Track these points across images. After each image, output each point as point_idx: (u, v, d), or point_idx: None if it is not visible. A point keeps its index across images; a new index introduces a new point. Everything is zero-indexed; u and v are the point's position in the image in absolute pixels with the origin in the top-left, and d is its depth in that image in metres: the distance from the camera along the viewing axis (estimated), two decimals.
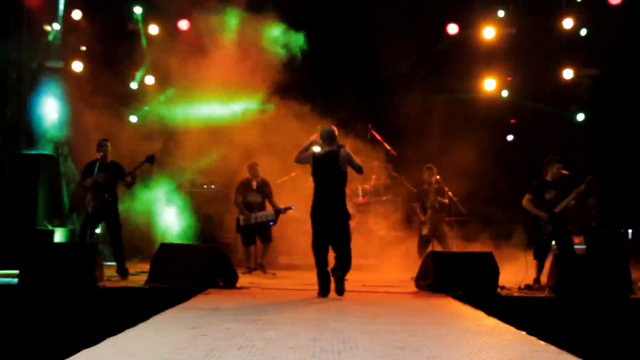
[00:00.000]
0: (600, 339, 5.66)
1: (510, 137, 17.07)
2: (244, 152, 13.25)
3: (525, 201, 10.05)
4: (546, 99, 16.36)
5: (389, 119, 15.31)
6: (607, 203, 14.48)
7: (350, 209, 8.88)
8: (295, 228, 14.03)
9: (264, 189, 12.03)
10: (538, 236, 9.93)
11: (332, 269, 8.30)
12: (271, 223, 11.85)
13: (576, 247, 11.86)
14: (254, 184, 11.90)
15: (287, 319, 5.92)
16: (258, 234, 11.89)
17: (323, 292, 8.17)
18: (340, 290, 8.14)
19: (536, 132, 16.09)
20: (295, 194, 14.28)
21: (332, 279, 8.25)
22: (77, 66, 14.79)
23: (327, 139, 8.58)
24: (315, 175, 8.56)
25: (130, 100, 15.12)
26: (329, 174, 8.45)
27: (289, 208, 12.15)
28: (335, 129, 8.67)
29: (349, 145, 8.91)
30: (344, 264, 8.32)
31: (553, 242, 10.09)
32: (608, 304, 7.99)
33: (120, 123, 13.96)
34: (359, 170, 8.51)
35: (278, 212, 11.92)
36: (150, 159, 10.16)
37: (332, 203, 8.43)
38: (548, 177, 10.06)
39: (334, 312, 6.56)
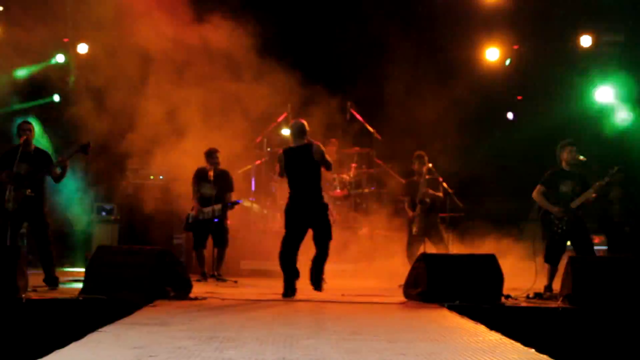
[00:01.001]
0: (622, 357, 5.72)
1: (510, 115, 17.13)
2: (201, 136, 13.21)
3: (536, 193, 10.08)
4: (560, 72, 16.43)
5: (372, 95, 15.30)
6: (633, 196, 14.60)
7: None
8: (260, 227, 14.07)
9: (222, 181, 11.98)
10: (550, 236, 9.98)
11: (313, 260, 9.54)
12: (215, 220, 11.79)
13: (596, 248, 11.93)
14: (211, 174, 11.84)
15: (251, 335, 5.92)
16: (213, 236, 11.85)
17: (290, 291, 9.32)
18: (319, 283, 9.40)
19: (548, 111, 16.17)
20: (259, 185, 14.33)
21: (296, 281, 9.42)
22: None
23: (298, 133, 9.70)
24: (289, 170, 9.66)
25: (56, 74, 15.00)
26: (304, 168, 9.57)
27: (237, 202, 12.12)
28: (305, 123, 9.78)
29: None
30: (324, 254, 9.55)
31: (568, 243, 10.15)
32: (632, 316, 8.05)
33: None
34: (328, 167, 9.72)
35: (225, 207, 11.89)
36: (84, 148, 10.05)
37: (309, 196, 9.57)
38: (563, 165, 10.10)
39: (306, 327, 6.56)
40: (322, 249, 9.53)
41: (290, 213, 9.57)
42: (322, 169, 9.70)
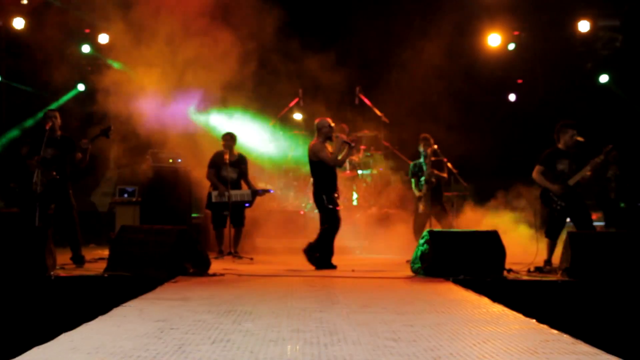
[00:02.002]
0: (619, 327, 5.73)
1: (512, 97, 17.10)
2: (217, 121, 13.24)
3: (536, 173, 10.08)
4: (558, 56, 16.38)
5: (380, 81, 15.28)
6: (629, 174, 14.57)
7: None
8: (275, 207, 14.11)
9: (240, 165, 12.01)
10: (550, 212, 10.00)
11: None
12: (247, 205, 11.83)
13: (594, 223, 11.91)
14: (226, 157, 11.83)
15: (266, 308, 5.95)
16: (230, 216, 11.86)
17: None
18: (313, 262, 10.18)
19: (547, 94, 16.14)
20: (273, 166, 14.36)
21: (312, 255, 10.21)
22: (18, 23, 14.65)
23: (316, 130, 10.53)
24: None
25: (82, 64, 15.01)
26: (309, 161, 10.49)
27: (268, 191, 12.18)
28: (319, 121, 10.48)
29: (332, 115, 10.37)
30: (319, 237, 10.34)
31: (568, 219, 10.16)
32: (628, 288, 8.05)
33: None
34: (327, 162, 10.27)
35: (255, 193, 11.91)
36: (105, 132, 10.09)
37: (313, 187, 10.49)
38: (560, 145, 10.10)
39: (319, 301, 6.59)
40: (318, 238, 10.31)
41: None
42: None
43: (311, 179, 13.44)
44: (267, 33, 13.83)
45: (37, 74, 14.56)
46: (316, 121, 10.59)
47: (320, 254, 10.21)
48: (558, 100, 15.71)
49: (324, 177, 10.34)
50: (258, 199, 12.17)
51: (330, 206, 10.26)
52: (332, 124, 10.53)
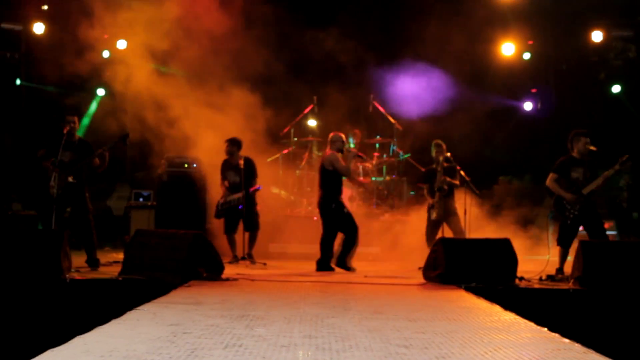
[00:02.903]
0: (631, 337, 5.70)
1: (529, 106, 17.06)
2: (230, 126, 13.25)
3: (549, 181, 10.04)
4: (572, 65, 16.34)
5: (393, 89, 15.27)
6: None
7: (349, 190, 9.94)
8: (287, 213, 14.12)
9: (246, 169, 11.97)
10: (563, 220, 9.95)
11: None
12: (239, 207, 11.77)
13: (607, 233, 11.84)
14: (233, 162, 11.86)
15: (279, 314, 5.95)
16: (243, 220, 11.84)
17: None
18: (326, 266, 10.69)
19: (561, 103, 16.09)
20: (286, 173, 14.37)
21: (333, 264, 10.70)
22: (39, 28, 14.71)
23: (329, 142, 11.10)
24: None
25: (101, 69, 15.04)
26: (320, 171, 11.01)
27: (257, 189, 12.12)
28: (334, 135, 11.10)
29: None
30: (327, 248, 10.84)
31: (581, 228, 10.11)
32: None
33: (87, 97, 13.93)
34: (342, 173, 10.92)
35: (247, 194, 11.87)
36: (123, 139, 10.16)
37: (320, 195, 10.93)
38: (574, 154, 10.05)
39: (331, 307, 6.57)
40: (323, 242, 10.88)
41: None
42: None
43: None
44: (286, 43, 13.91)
45: (57, 78, 14.63)
46: (331, 135, 11.14)
47: (322, 256, 10.79)
48: (572, 109, 15.64)
49: (335, 186, 10.88)
50: (271, 204, 12.16)
51: (345, 210, 10.83)
52: (344, 139, 11.13)
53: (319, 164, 11.23)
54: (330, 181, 10.85)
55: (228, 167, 11.96)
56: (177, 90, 13.88)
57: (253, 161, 12.12)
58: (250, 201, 11.84)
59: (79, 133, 10.66)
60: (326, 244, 10.82)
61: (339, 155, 10.91)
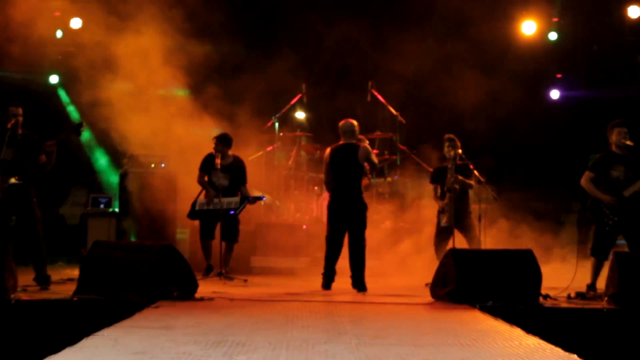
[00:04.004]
0: None
1: (555, 95, 17.08)
2: (203, 118, 13.25)
3: (585, 180, 9.98)
4: (604, 46, 16.36)
5: (395, 74, 15.27)
6: None
7: None
8: (272, 221, 14.11)
9: (234, 170, 11.95)
10: (599, 227, 9.91)
11: (351, 264, 10.63)
12: (231, 212, 11.74)
13: None
14: (218, 161, 11.77)
15: (263, 339, 5.94)
16: (221, 227, 11.80)
17: (326, 284, 10.62)
18: (362, 286, 10.44)
19: (590, 90, 16.10)
20: (271, 174, 14.35)
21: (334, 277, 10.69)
22: None
23: (348, 132, 10.90)
24: (333, 168, 10.87)
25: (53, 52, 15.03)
26: (347, 167, 10.78)
27: (260, 198, 12.17)
28: (355, 123, 10.95)
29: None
30: (359, 261, 10.58)
31: (619, 237, 10.10)
32: None
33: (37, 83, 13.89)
34: (374, 167, 11.24)
35: (244, 200, 11.85)
36: (76, 129, 10.07)
37: (349, 194, 10.75)
38: (614, 149, 10.01)
39: (323, 330, 6.57)
40: (357, 252, 10.63)
41: (331, 211, 10.85)
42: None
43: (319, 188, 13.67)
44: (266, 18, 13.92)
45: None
46: (351, 122, 10.98)
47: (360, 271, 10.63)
48: (604, 97, 15.67)
49: (361, 185, 10.94)
50: (252, 210, 12.14)
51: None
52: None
53: (343, 155, 10.81)
54: (359, 178, 10.89)
55: (213, 166, 11.88)
56: (141, 75, 13.86)
57: (244, 162, 12.13)
58: (242, 208, 11.83)
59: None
60: (362, 255, 10.70)
61: None
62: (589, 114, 15.10)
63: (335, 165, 10.86)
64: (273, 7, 15.59)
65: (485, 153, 13.57)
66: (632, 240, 9.89)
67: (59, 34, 15.23)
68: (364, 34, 15.59)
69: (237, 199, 11.83)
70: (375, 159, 11.05)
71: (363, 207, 10.77)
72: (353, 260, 10.64)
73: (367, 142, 11.65)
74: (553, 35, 16.45)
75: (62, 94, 16.30)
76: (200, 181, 12.05)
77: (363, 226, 10.73)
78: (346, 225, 10.73)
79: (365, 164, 10.80)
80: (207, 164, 12.00)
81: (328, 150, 11.06)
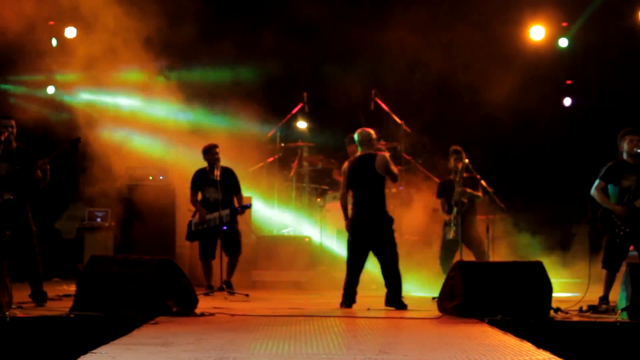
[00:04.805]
0: None
1: (567, 102, 17.08)
2: (203, 130, 13.28)
3: (595, 189, 9.97)
4: (615, 52, 16.35)
5: (399, 82, 15.29)
6: None
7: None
8: (274, 233, 14.10)
9: (228, 182, 11.96)
10: (611, 238, 9.91)
11: (386, 288, 10.26)
12: (224, 228, 11.74)
13: None
14: (217, 173, 11.78)
15: (265, 356, 5.94)
16: (222, 242, 11.80)
17: (347, 303, 10.22)
18: (400, 303, 10.10)
19: (602, 98, 16.09)
20: (272, 185, 14.36)
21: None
22: None
23: (364, 142, 10.55)
24: (351, 181, 10.50)
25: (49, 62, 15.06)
26: (366, 179, 10.35)
27: (247, 207, 12.15)
28: (371, 132, 10.58)
29: None
30: (395, 277, 10.23)
31: (631, 248, 10.09)
32: None
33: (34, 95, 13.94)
34: (394, 179, 10.62)
35: (234, 212, 11.87)
36: (74, 144, 10.10)
37: (371, 209, 10.32)
38: (625, 158, 10.01)
39: (328, 346, 6.57)
40: (391, 270, 10.23)
41: (353, 229, 10.39)
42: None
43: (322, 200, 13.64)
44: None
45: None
46: (367, 131, 10.64)
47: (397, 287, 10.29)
48: (616, 105, 15.66)
49: (384, 197, 10.48)
50: (254, 222, 12.15)
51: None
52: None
53: (361, 167, 10.42)
54: (382, 191, 10.40)
55: (205, 180, 11.91)
56: (139, 87, 13.92)
57: (234, 172, 12.13)
58: (233, 220, 11.85)
59: None
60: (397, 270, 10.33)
61: None
62: (601, 122, 15.09)
63: (354, 179, 10.46)
64: (272, 14, 15.58)
65: (494, 162, 13.56)
66: None
67: (54, 42, 15.25)
68: (367, 40, 15.61)
69: (226, 211, 11.85)
70: (394, 169, 10.51)
71: (388, 222, 10.33)
72: (387, 279, 10.26)
73: (387, 152, 11.43)
74: (563, 42, 16.43)
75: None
76: (193, 200, 12.13)
77: (391, 242, 10.32)
78: (371, 243, 10.33)
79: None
80: (199, 181, 12.05)
81: (346, 163, 10.70)
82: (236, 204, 12.05)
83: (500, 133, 15.53)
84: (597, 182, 9.99)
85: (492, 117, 15.21)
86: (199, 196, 12.11)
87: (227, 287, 11.64)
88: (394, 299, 10.14)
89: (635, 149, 9.85)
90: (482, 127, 15.07)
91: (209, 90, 14.44)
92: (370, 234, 10.30)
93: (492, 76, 15.28)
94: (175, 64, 14.56)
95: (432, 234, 13.10)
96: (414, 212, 14.47)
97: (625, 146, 9.94)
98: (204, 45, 14.28)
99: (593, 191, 9.99)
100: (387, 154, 10.60)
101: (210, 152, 11.94)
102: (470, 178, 11.68)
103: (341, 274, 11.14)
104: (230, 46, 14.42)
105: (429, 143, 15.02)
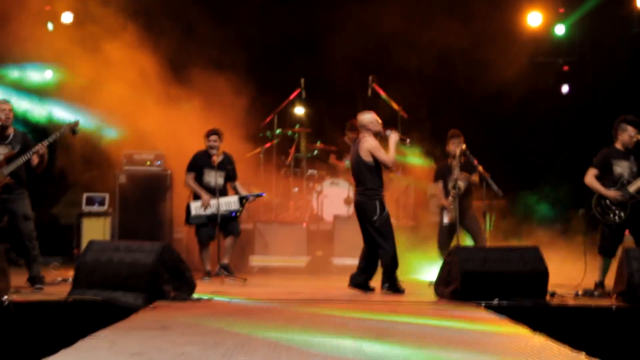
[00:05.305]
0: None
1: (565, 89, 17.06)
2: (202, 116, 13.26)
3: (588, 177, 10.03)
4: (612, 38, 16.31)
5: (396, 67, 15.27)
6: None
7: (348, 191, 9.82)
8: (271, 219, 14.11)
9: (227, 167, 11.93)
10: (605, 224, 9.94)
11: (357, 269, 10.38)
12: (233, 214, 11.73)
13: None
14: (215, 159, 11.74)
15: (262, 340, 5.95)
16: (221, 226, 11.77)
17: (350, 282, 10.28)
18: (392, 287, 10.07)
19: (599, 84, 16.07)
20: (269, 171, 14.36)
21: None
22: None
23: (356, 127, 10.86)
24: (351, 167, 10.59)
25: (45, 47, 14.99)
26: (353, 164, 10.40)
27: (259, 195, 12.13)
28: (365, 115, 10.43)
29: None
30: (370, 263, 10.32)
31: (626, 233, 10.12)
32: None
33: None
34: (384, 165, 10.24)
35: (243, 199, 11.85)
36: (72, 128, 10.08)
37: (357, 194, 10.34)
38: (618, 145, 10.05)
39: (325, 330, 6.58)
40: (369, 256, 10.30)
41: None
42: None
43: (317, 187, 13.68)
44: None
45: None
46: (359, 116, 10.49)
47: (387, 276, 10.19)
48: (613, 91, 15.64)
49: (377, 182, 10.26)
50: (250, 207, 12.12)
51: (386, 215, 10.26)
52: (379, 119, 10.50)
53: (353, 155, 10.45)
54: (371, 177, 10.20)
55: (207, 164, 11.87)
56: (135, 73, 13.88)
57: (233, 159, 12.12)
58: (241, 208, 11.81)
59: None
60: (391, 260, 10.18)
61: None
62: (597, 108, 15.08)
63: (351, 164, 10.59)
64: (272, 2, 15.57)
65: (491, 148, 13.55)
66: (638, 237, 9.93)
67: (49, 27, 15.21)
68: (364, 25, 15.57)
69: (235, 198, 11.82)
70: (381, 155, 10.12)
71: (369, 208, 10.11)
72: (363, 262, 10.36)
73: (395, 133, 11.11)
74: (560, 29, 16.38)
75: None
76: (190, 183, 11.99)
77: (373, 228, 10.11)
78: (362, 228, 10.35)
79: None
80: (198, 163, 11.95)
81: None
82: (231, 192, 12.01)
83: (498, 119, 15.50)
84: (590, 169, 10.04)
85: (489, 103, 15.19)
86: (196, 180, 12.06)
87: (226, 270, 11.59)
88: (360, 281, 10.25)
89: (635, 139, 9.88)
90: (478, 113, 15.04)
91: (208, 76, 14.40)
92: (360, 221, 10.32)
93: (489, 63, 15.26)
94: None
95: (429, 218, 13.12)
96: (410, 196, 14.48)
97: (625, 137, 9.96)
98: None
99: (587, 178, 10.03)
100: (394, 136, 10.40)
101: (208, 139, 11.90)
102: (467, 162, 11.66)
103: (338, 259, 11.15)
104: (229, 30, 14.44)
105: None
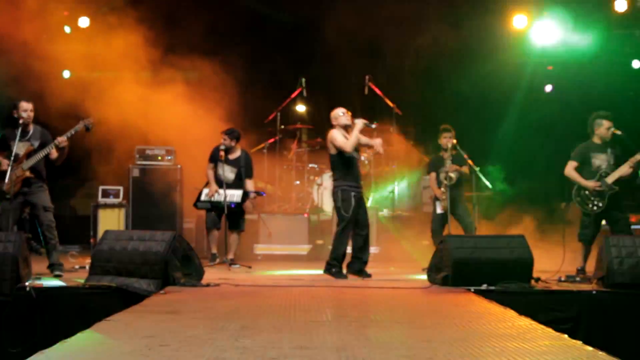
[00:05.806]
0: None
1: (548, 88, 17.04)
2: (208, 112, 13.27)
3: (568, 169, 10.09)
4: (594, 39, 16.26)
5: (391, 67, 15.27)
6: None
7: None
8: (274, 210, 14.12)
9: (240, 165, 11.95)
10: (585, 213, 9.99)
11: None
12: (232, 205, 11.73)
13: (634, 227, 11.89)
14: (222, 154, 11.76)
15: (266, 323, 5.96)
16: (227, 218, 11.81)
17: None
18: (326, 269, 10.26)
19: (580, 83, 16.05)
20: (273, 165, 14.36)
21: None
22: None
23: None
24: None
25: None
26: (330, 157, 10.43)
27: (260, 194, 12.17)
28: (338, 110, 10.44)
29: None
30: (366, 247, 10.46)
31: (604, 222, 10.15)
32: None
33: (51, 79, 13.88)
34: (343, 148, 10.13)
35: (245, 195, 11.85)
36: (86, 126, 10.10)
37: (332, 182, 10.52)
38: (596, 139, 10.10)
39: (325, 314, 6.60)
40: (363, 244, 10.41)
41: None
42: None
43: (317, 179, 13.72)
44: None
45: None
46: (331, 113, 10.53)
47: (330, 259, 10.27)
48: (593, 89, 15.61)
49: (341, 172, 10.30)
50: (255, 200, 12.16)
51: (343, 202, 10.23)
52: (346, 111, 10.46)
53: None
54: (336, 166, 10.33)
55: (216, 158, 11.91)
56: (146, 72, 13.89)
57: (251, 157, 12.15)
58: (242, 201, 11.82)
59: None
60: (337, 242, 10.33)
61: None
62: (578, 106, 15.06)
63: None
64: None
65: (478, 141, 13.54)
66: (616, 225, 9.98)
67: (67, 30, 15.21)
68: (360, 28, 15.56)
69: (239, 192, 11.83)
70: (338, 142, 10.16)
71: (334, 199, 10.32)
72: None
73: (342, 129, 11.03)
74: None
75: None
76: (207, 172, 12.07)
77: (339, 216, 10.28)
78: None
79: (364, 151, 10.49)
80: (214, 157, 12.02)
81: None
82: (246, 188, 12.03)
83: (484, 117, 15.48)
84: (569, 162, 10.10)
85: (475, 102, 15.18)
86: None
87: (231, 264, 11.62)
88: (357, 268, 10.29)
89: (611, 132, 9.93)
90: (466, 112, 15.02)
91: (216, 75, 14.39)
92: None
93: (476, 63, 15.28)
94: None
95: (422, 208, 13.14)
96: (405, 188, 14.50)
97: (601, 131, 10.01)
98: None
99: (567, 171, 10.10)
100: (359, 122, 10.20)
101: (225, 135, 11.95)
102: (458, 155, 11.68)
103: None
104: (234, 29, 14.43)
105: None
